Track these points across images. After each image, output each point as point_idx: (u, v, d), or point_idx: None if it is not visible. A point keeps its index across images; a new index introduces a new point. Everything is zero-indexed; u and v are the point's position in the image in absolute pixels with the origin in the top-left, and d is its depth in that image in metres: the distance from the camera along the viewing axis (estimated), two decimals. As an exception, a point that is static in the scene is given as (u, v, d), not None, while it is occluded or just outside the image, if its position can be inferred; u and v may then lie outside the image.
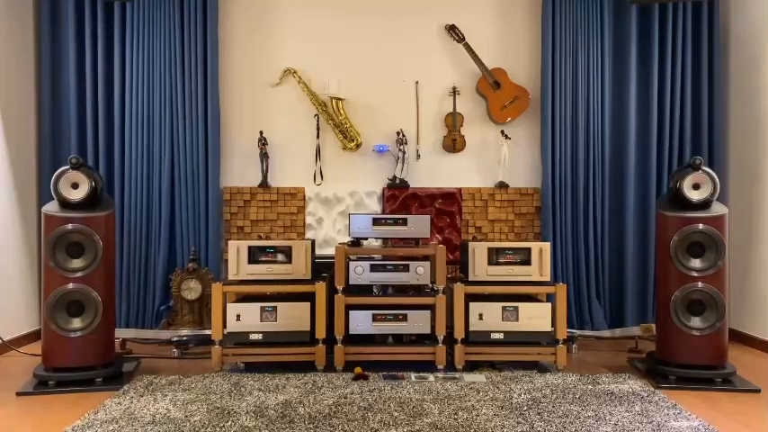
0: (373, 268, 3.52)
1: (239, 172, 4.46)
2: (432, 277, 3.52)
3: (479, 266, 3.53)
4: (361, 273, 3.51)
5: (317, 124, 4.44)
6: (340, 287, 3.46)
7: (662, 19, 4.35)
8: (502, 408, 2.79)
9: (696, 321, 3.18)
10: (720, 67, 4.40)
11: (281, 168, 4.46)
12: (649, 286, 4.38)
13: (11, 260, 4.01)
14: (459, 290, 3.47)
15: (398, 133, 4.38)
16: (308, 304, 3.45)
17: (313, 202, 4.46)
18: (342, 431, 2.51)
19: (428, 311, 3.49)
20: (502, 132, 4.42)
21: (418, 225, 3.62)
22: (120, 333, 4.00)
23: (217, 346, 3.42)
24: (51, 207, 3.15)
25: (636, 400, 2.92)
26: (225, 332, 3.42)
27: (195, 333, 4.08)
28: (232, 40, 4.47)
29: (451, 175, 4.49)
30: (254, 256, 3.51)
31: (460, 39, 4.44)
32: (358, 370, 3.29)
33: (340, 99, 4.40)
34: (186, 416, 2.69)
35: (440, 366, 3.43)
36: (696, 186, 3.23)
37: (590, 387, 3.12)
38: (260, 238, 4.17)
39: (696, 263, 3.19)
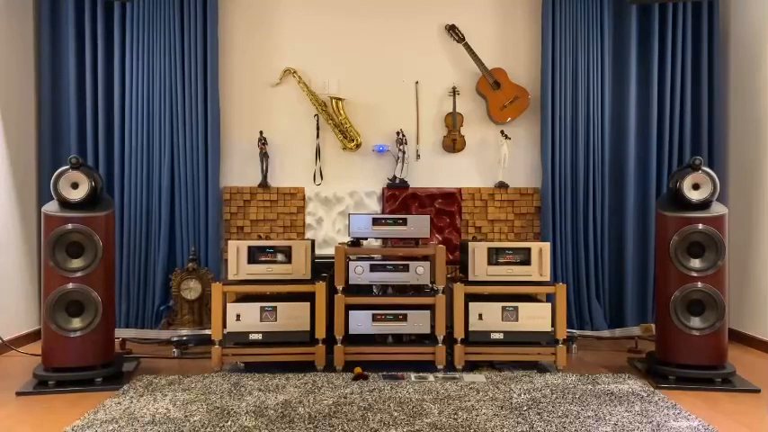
0: (373, 268, 3.52)
1: (239, 172, 4.46)
2: (431, 277, 3.52)
3: (479, 266, 3.53)
4: (360, 273, 3.51)
5: (317, 124, 4.44)
6: (340, 287, 3.47)
7: (662, 19, 4.36)
8: (502, 408, 2.79)
9: (696, 321, 3.18)
10: (720, 67, 4.40)
11: (280, 168, 4.46)
12: (649, 286, 4.38)
13: (11, 260, 4.01)
14: (459, 290, 3.47)
15: (398, 133, 4.38)
16: (307, 304, 3.45)
17: (313, 202, 4.46)
18: (341, 431, 2.51)
19: (428, 311, 3.49)
20: (502, 132, 4.42)
21: (418, 225, 3.62)
22: (120, 333, 4.00)
23: (217, 346, 3.42)
24: (51, 207, 3.15)
25: (636, 400, 2.92)
26: (225, 332, 3.42)
27: (195, 333, 4.08)
28: (232, 40, 4.47)
29: (451, 175, 4.50)
30: (254, 256, 3.51)
31: (460, 39, 4.44)
32: (358, 370, 3.29)
33: (340, 99, 4.40)
34: (186, 416, 2.69)
35: (439, 366, 3.43)
36: (696, 186, 3.23)
37: (590, 387, 3.12)
38: (260, 237, 4.17)
39: (696, 263, 3.19)
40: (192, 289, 4.17)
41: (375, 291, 3.59)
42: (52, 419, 2.67)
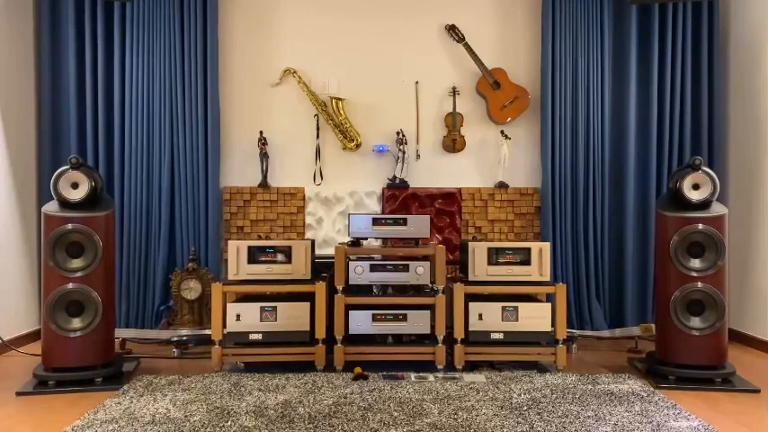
0: (373, 268, 3.52)
1: (239, 172, 4.46)
2: (431, 277, 3.52)
3: (479, 266, 3.53)
4: (360, 273, 3.51)
5: (317, 124, 4.44)
6: (340, 287, 3.46)
7: (662, 19, 4.36)
8: (502, 408, 2.79)
9: (696, 321, 3.18)
10: (720, 67, 4.40)
11: (280, 168, 4.46)
12: (649, 286, 4.38)
13: (11, 260, 4.01)
14: (459, 290, 3.47)
15: (398, 133, 4.38)
16: (307, 304, 3.45)
17: (313, 202, 4.46)
18: (341, 431, 2.51)
19: (428, 311, 3.49)
20: (502, 132, 4.42)
21: (418, 225, 3.62)
22: (120, 333, 4.00)
23: (216, 346, 3.42)
24: (51, 207, 3.15)
25: (635, 400, 2.92)
26: (225, 332, 3.42)
27: (195, 333, 4.08)
28: (232, 40, 4.47)
29: (451, 175, 4.50)
30: (254, 256, 3.51)
31: (460, 39, 4.44)
32: (358, 370, 3.29)
33: (340, 99, 4.40)
34: (186, 416, 2.69)
35: (439, 366, 3.43)
36: (696, 186, 3.23)
37: (590, 387, 3.12)
38: (260, 237, 4.17)
39: (696, 263, 3.19)
40: (191, 289, 4.17)
41: (375, 291, 3.59)
42: (52, 419, 2.67)
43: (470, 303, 3.46)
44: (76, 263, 3.12)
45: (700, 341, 3.17)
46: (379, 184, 4.49)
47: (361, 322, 3.45)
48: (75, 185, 3.14)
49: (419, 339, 3.52)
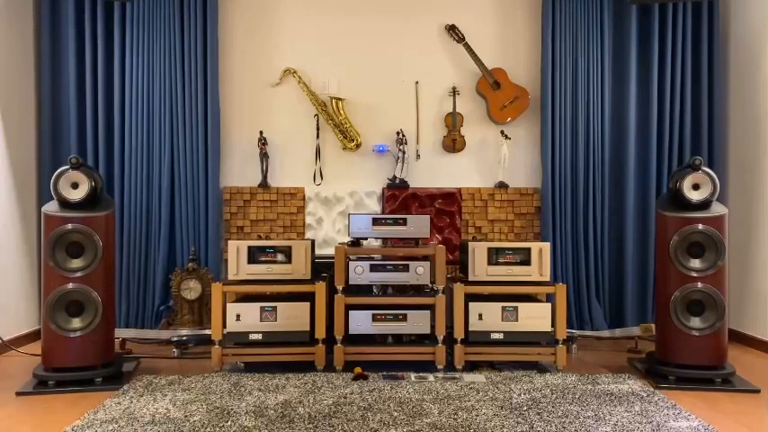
0: (373, 268, 3.52)
1: (239, 172, 4.46)
2: (431, 277, 3.52)
3: (479, 266, 3.53)
4: (360, 273, 3.51)
5: (317, 124, 4.44)
6: (340, 287, 3.46)
7: (662, 19, 4.36)
8: (501, 408, 2.79)
9: (696, 321, 3.18)
10: (720, 67, 4.40)
11: (280, 168, 4.46)
12: (649, 286, 4.38)
13: (11, 260, 4.01)
14: (459, 290, 3.47)
15: (398, 133, 4.38)
16: (307, 304, 3.45)
17: (313, 202, 4.46)
18: (341, 431, 2.51)
19: (428, 311, 3.49)
20: (502, 132, 4.42)
21: (418, 225, 3.62)
22: (120, 333, 4.00)
23: (216, 346, 3.42)
24: (51, 207, 3.15)
25: (635, 400, 2.92)
26: (225, 332, 3.42)
27: (195, 333, 4.08)
28: (232, 40, 4.47)
29: (451, 175, 4.50)
30: (254, 256, 3.51)
31: (460, 39, 4.44)
32: (358, 370, 3.29)
33: (340, 99, 4.40)
34: (186, 416, 2.69)
35: (439, 366, 3.42)
36: (696, 186, 3.23)
37: (590, 387, 3.12)
38: (260, 237, 4.17)
39: (696, 263, 3.19)
40: (191, 289, 4.17)
41: (375, 291, 3.59)
42: (52, 419, 2.67)
43: (470, 303, 3.46)
44: (76, 263, 3.12)
45: (700, 341, 3.17)
46: (379, 184, 4.49)
47: (361, 322, 3.45)
48: (75, 185, 3.14)
49: (419, 339, 3.52)
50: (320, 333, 3.43)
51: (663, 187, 4.31)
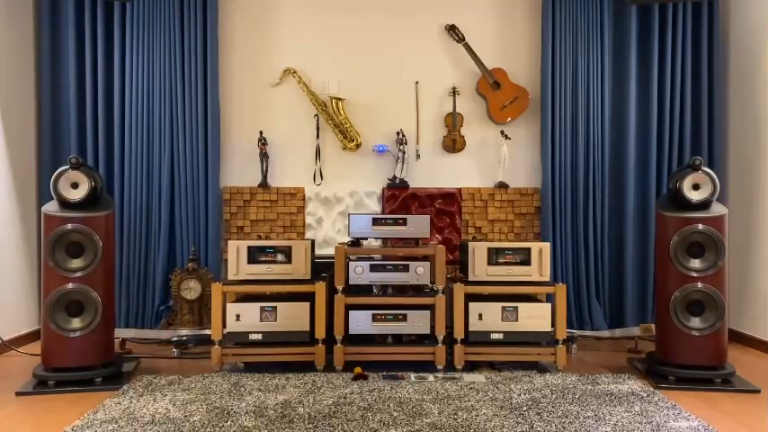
0: (373, 268, 3.52)
1: (239, 172, 4.46)
2: (431, 277, 3.52)
3: (479, 266, 3.53)
4: (360, 273, 3.51)
5: (317, 124, 4.44)
6: (340, 287, 3.46)
7: (662, 19, 4.35)
8: (501, 408, 2.79)
9: (696, 322, 3.18)
10: (720, 67, 4.40)
11: (280, 168, 4.46)
12: (649, 286, 4.38)
13: (11, 260, 4.01)
14: (459, 290, 3.47)
15: (398, 133, 4.38)
16: (307, 304, 3.45)
17: (313, 202, 4.46)
18: (341, 431, 2.51)
19: (428, 311, 3.49)
20: (502, 132, 4.42)
21: (418, 225, 3.62)
22: (120, 333, 4.00)
23: (216, 346, 3.42)
24: (51, 207, 3.15)
25: (635, 400, 2.92)
26: (224, 332, 3.42)
27: (195, 333, 4.08)
28: (232, 40, 4.47)
29: (451, 175, 4.50)
30: (254, 256, 3.51)
31: (460, 39, 4.44)
32: (357, 370, 3.29)
33: (340, 99, 4.40)
34: (186, 416, 2.69)
35: (439, 366, 3.42)
36: (696, 187, 3.23)
37: (589, 387, 3.12)
38: (260, 237, 4.17)
39: (696, 263, 3.19)
40: (191, 289, 4.17)
41: (375, 291, 3.59)
42: (52, 419, 2.67)
43: (470, 303, 3.46)
44: (76, 263, 3.12)
45: (700, 341, 3.17)
46: (379, 184, 4.49)
47: (361, 322, 3.45)
48: (75, 185, 3.14)
49: (419, 339, 3.52)
50: (320, 333, 3.43)
51: (663, 187, 4.31)
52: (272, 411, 2.74)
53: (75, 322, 3.11)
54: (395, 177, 4.41)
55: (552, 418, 2.67)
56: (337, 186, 4.47)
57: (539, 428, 2.54)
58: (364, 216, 3.65)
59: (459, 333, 3.45)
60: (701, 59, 4.37)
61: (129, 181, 4.28)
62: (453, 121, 4.45)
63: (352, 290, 3.55)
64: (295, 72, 4.42)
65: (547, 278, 3.54)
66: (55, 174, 3.15)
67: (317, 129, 4.44)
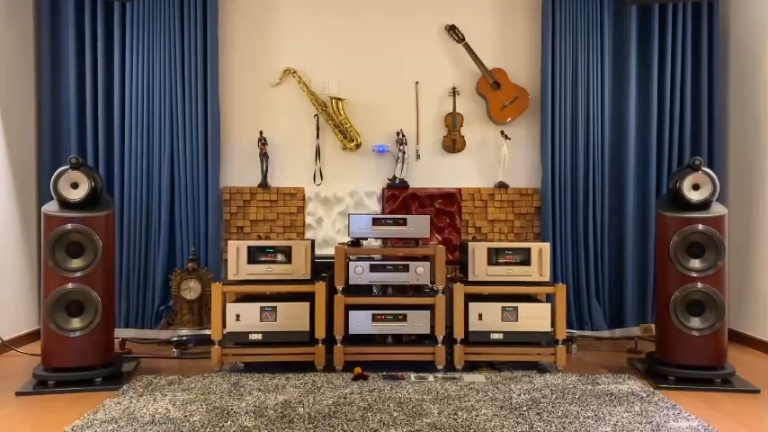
0: (373, 268, 3.52)
1: (239, 172, 4.46)
2: (431, 277, 3.52)
3: (479, 266, 3.53)
4: (360, 273, 3.51)
5: (317, 124, 4.44)
6: (340, 287, 3.46)
7: (662, 19, 4.35)
8: (501, 408, 2.79)
9: (696, 322, 3.18)
10: (720, 67, 4.40)
11: (280, 168, 4.46)
12: (649, 286, 4.38)
13: (10, 260, 4.01)
14: (459, 290, 3.47)
15: (398, 133, 4.38)
16: (307, 304, 3.45)
17: (313, 202, 4.46)
18: (341, 431, 2.51)
19: (428, 311, 3.49)
20: (502, 132, 4.42)
21: (418, 225, 3.62)
22: (120, 333, 4.00)
23: (216, 346, 3.42)
24: (51, 207, 3.15)
25: (635, 400, 2.92)
26: (224, 332, 3.42)
27: (195, 333, 4.08)
28: (232, 40, 4.47)
29: (451, 175, 4.50)
30: (254, 256, 3.51)
31: (460, 39, 4.44)
32: (357, 370, 3.29)
33: (340, 99, 4.40)
34: (186, 416, 2.69)
35: (439, 366, 3.42)
36: (696, 187, 3.23)
37: (589, 387, 3.12)
38: (259, 237, 4.17)
39: (696, 263, 3.19)
40: (191, 289, 4.17)
41: (375, 291, 3.59)
42: (52, 419, 2.67)
43: (470, 303, 3.46)
44: (76, 263, 3.12)
45: (699, 341, 3.17)
46: (379, 184, 4.49)
47: (360, 322, 3.45)
48: (75, 185, 3.14)
49: (419, 339, 3.52)
50: (320, 333, 3.43)
51: (663, 187, 4.31)
52: (271, 411, 2.74)
53: (75, 322, 3.11)
54: (395, 177, 4.41)
55: (552, 418, 2.67)
56: (337, 186, 4.47)
57: (539, 428, 2.54)
58: (364, 216, 3.65)
59: (459, 333, 3.45)
60: (701, 59, 4.37)
61: (129, 181, 4.27)
62: (453, 122, 4.45)
63: (352, 290, 3.55)
64: (295, 72, 4.42)
65: (547, 278, 3.54)
66: (55, 174, 3.15)
67: (317, 129, 4.44)
